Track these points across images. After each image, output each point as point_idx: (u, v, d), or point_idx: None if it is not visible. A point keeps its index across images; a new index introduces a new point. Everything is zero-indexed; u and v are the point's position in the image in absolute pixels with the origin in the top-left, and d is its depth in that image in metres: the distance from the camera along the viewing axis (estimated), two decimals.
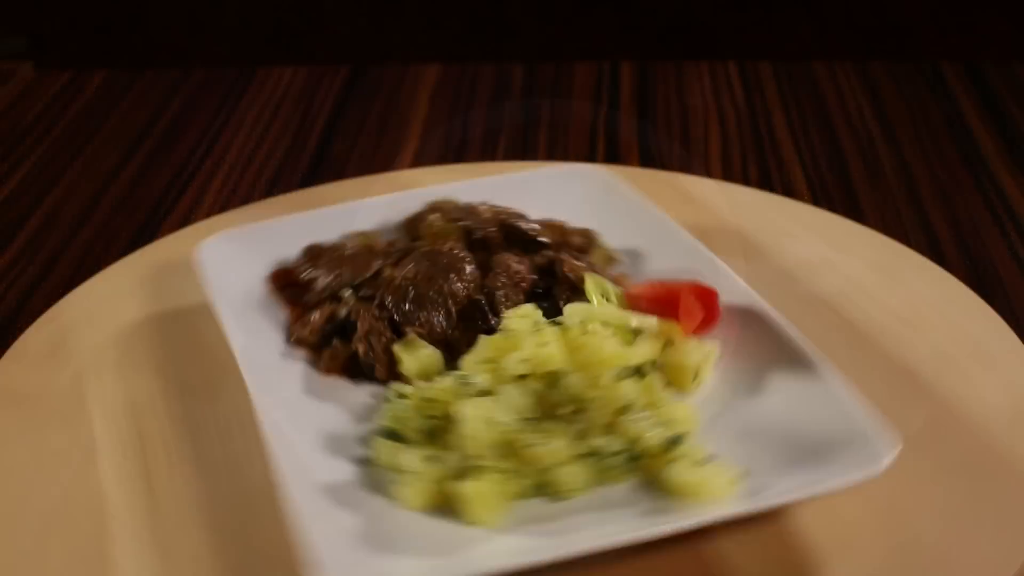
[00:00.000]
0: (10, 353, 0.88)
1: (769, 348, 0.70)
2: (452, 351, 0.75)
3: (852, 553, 0.64)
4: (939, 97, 1.46)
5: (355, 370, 0.77)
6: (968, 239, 1.14)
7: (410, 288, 0.77)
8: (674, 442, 0.63)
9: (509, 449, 0.62)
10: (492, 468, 0.62)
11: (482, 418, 0.63)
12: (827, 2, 1.60)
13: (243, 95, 1.54)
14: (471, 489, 0.61)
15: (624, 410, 0.63)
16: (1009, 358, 0.80)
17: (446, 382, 0.68)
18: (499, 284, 0.77)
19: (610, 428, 0.64)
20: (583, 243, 0.84)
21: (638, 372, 0.67)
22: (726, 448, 0.65)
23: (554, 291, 0.77)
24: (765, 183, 1.24)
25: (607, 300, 0.74)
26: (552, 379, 0.64)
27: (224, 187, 1.30)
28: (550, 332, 0.67)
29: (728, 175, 1.27)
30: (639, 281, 0.80)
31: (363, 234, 0.88)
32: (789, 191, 1.22)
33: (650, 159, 1.33)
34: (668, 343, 0.71)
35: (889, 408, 0.71)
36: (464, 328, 0.76)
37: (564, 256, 0.78)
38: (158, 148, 1.40)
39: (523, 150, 1.37)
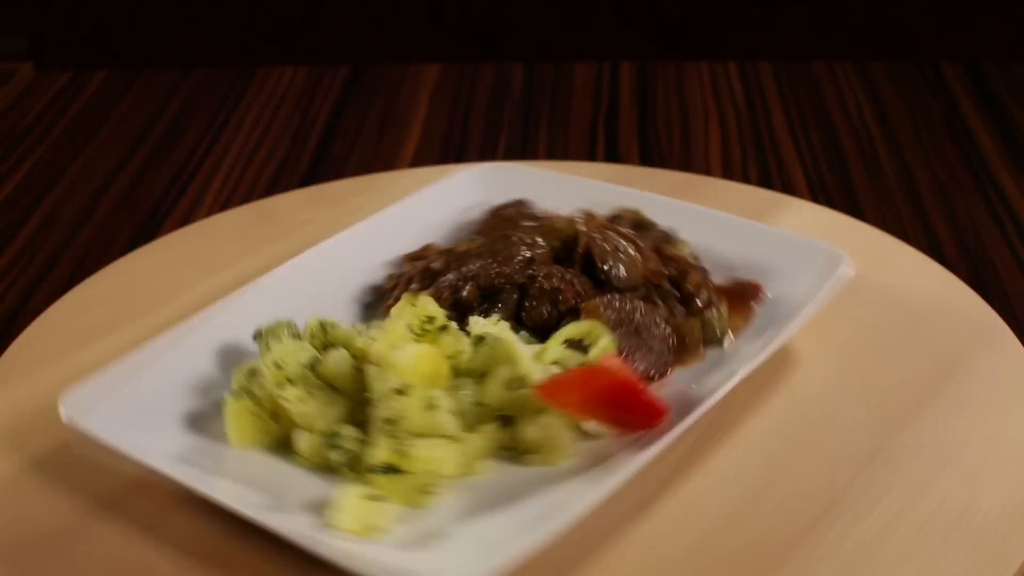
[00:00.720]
0: (273, 199, 0.91)
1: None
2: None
3: None
4: (939, 97, 1.47)
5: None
6: (968, 239, 1.14)
7: (463, 258, 0.79)
8: (384, 471, 0.63)
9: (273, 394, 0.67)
10: (258, 401, 0.66)
11: (277, 357, 0.67)
12: (827, 2, 1.61)
13: (243, 95, 1.55)
14: (228, 406, 0.65)
15: (390, 422, 0.64)
16: (1009, 358, 0.80)
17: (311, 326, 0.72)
18: (532, 288, 0.78)
19: (367, 429, 0.65)
20: (696, 306, 0.81)
21: (504, 420, 0.67)
22: (446, 512, 0.62)
23: (564, 316, 0.77)
24: (765, 183, 1.24)
25: (576, 349, 0.72)
26: (370, 363, 0.67)
27: (224, 187, 1.30)
28: (400, 327, 0.69)
29: (728, 175, 1.28)
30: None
31: (580, 209, 0.88)
32: (789, 191, 1.22)
33: (650, 159, 1.33)
34: (537, 410, 0.69)
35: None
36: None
37: (599, 299, 0.77)
38: (158, 148, 1.40)
39: (523, 150, 1.37)
